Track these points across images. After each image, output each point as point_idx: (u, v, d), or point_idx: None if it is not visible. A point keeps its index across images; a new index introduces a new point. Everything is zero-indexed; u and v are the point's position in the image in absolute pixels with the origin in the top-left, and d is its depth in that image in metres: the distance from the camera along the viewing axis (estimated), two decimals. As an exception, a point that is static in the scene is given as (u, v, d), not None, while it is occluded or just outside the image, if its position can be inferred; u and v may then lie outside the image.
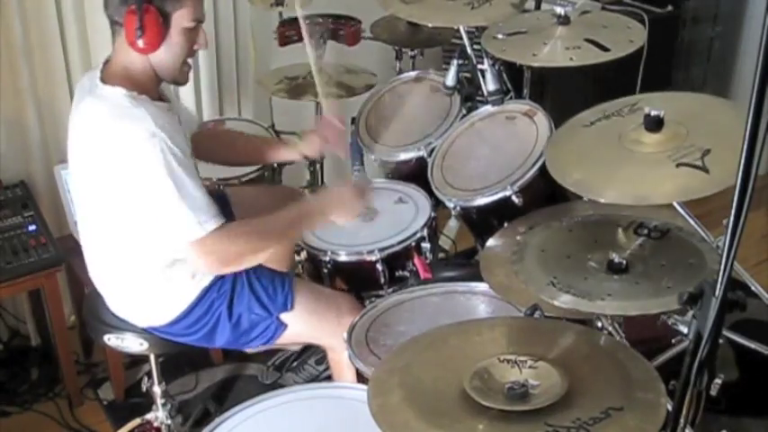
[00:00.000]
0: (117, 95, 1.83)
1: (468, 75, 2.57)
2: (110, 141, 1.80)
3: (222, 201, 2.29)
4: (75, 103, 1.93)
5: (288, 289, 2.07)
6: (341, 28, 2.92)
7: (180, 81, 1.98)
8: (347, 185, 2.08)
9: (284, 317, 2.05)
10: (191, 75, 2.00)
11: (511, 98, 2.61)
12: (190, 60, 1.95)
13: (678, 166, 1.70)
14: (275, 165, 2.74)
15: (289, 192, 2.66)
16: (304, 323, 2.07)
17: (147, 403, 2.34)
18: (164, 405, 2.28)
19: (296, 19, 2.89)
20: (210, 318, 2.03)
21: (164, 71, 1.91)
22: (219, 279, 2.03)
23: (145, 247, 1.93)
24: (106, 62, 1.93)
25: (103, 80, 1.87)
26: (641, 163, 1.76)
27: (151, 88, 1.91)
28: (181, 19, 1.85)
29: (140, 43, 1.82)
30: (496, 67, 2.47)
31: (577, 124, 1.96)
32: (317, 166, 3.07)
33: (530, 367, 1.39)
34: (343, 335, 1.98)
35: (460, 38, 2.56)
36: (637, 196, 1.71)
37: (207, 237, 1.83)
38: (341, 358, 2.07)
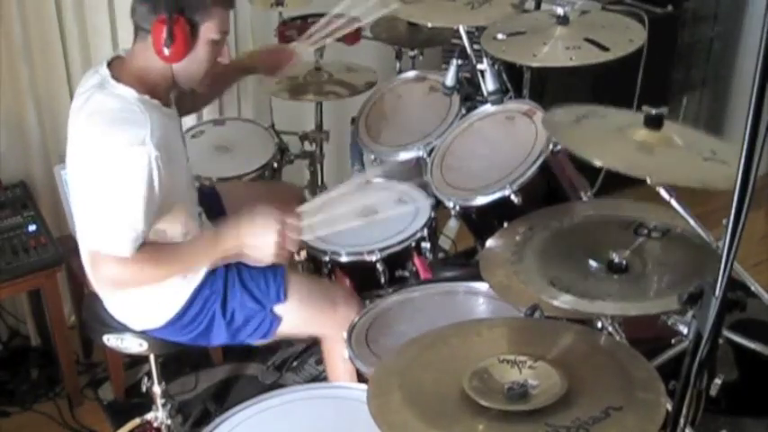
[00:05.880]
0: (129, 96, 1.83)
1: (467, 75, 2.57)
2: (102, 141, 1.80)
3: (214, 198, 2.29)
4: (80, 99, 1.91)
5: (280, 280, 2.07)
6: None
7: (198, 91, 2.01)
8: (268, 222, 1.87)
9: (278, 309, 2.06)
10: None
11: (510, 98, 2.61)
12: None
13: (705, 160, 1.70)
14: (275, 165, 2.74)
15: (285, 188, 2.66)
16: (298, 314, 2.08)
17: (147, 403, 2.34)
18: (164, 405, 2.28)
19: (296, 19, 2.91)
20: (205, 316, 2.03)
21: (184, 80, 1.92)
22: (211, 276, 2.03)
23: None
24: (115, 60, 1.93)
25: (116, 78, 1.86)
26: (673, 153, 1.74)
27: (164, 94, 1.92)
28: (208, 31, 1.86)
29: (167, 53, 1.82)
30: (496, 67, 2.47)
31: (566, 120, 1.91)
32: (318, 165, 3.08)
33: (529, 367, 1.39)
34: (339, 325, 1.99)
35: (460, 38, 2.56)
36: (698, 179, 1.65)
37: (121, 258, 1.80)
38: (334, 348, 2.08)
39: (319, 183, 3.10)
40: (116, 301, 2.04)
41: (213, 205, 2.25)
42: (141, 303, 2.01)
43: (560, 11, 2.33)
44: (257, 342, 2.17)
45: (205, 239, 1.97)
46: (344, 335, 1.95)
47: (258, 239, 1.87)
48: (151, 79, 1.88)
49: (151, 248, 1.85)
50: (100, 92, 1.86)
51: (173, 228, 1.92)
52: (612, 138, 1.80)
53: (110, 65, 1.91)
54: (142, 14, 1.85)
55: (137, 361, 2.74)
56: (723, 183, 1.53)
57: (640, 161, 1.72)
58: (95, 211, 1.83)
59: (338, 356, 2.06)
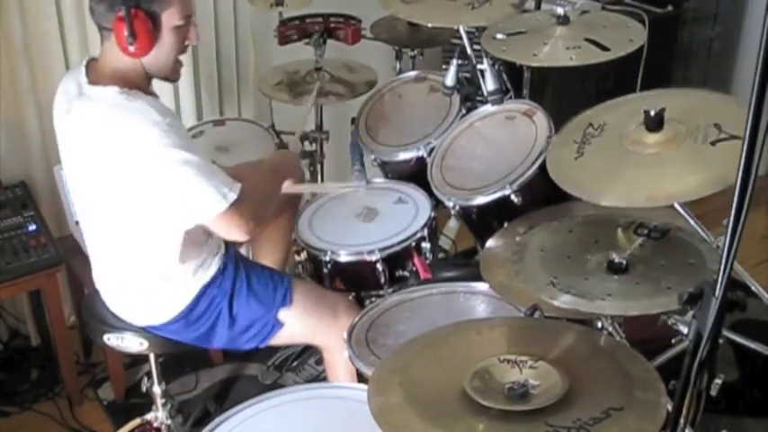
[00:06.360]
0: (110, 94, 1.82)
1: (467, 75, 2.57)
2: (116, 139, 1.80)
3: None
4: (62, 105, 1.91)
5: (286, 286, 2.08)
6: (341, 27, 2.92)
7: (171, 78, 1.98)
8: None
9: (282, 314, 2.06)
10: (187, 72, 2.01)
11: (510, 98, 2.61)
12: (181, 57, 1.95)
13: (713, 144, 1.70)
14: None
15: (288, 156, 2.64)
16: (300, 321, 2.08)
17: (147, 403, 2.34)
18: (164, 405, 2.28)
19: (295, 19, 2.91)
20: (211, 315, 2.03)
21: (155, 70, 1.91)
22: (220, 275, 2.03)
23: (150, 245, 1.94)
24: (89, 63, 1.92)
25: (92, 82, 1.86)
26: (682, 157, 1.73)
27: (142, 85, 1.91)
28: (170, 18, 1.85)
29: (132, 49, 1.81)
30: (496, 67, 2.47)
31: (567, 159, 1.89)
32: (318, 165, 3.08)
33: (530, 367, 1.39)
34: (339, 335, 1.98)
35: (460, 38, 2.56)
36: (719, 181, 1.63)
37: (230, 208, 1.85)
38: (336, 359, 2.08)
39: (319, 183, 3.09)
40: (122, 297, 2.05)
41: None
42: (149, 299, 2.01)
43: (560, 11, 2.33)
44: (255, 347, 2.17)
45: (267, 167, 2.20)
46: (344, 335, 1.96)
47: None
48: (127, 77, 1.87)
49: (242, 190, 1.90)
50: (81, 100, 1.86)
51: None
52: (619, 163, 1.78)
53: (87, 67, 1.90)
54: (101, 14, 1.83)
55: (137, 361, 2.74)
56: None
57: (657, 188, 1.71)
58: (179, 193, 1.83)
59: (340, 367, 2.06)
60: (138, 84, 1.89)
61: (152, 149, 1.78)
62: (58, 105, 1.94)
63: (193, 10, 1.92)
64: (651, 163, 1.75)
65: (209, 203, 1.84)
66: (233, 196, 1.85)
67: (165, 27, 1.85)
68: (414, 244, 2.23)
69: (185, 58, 2.00)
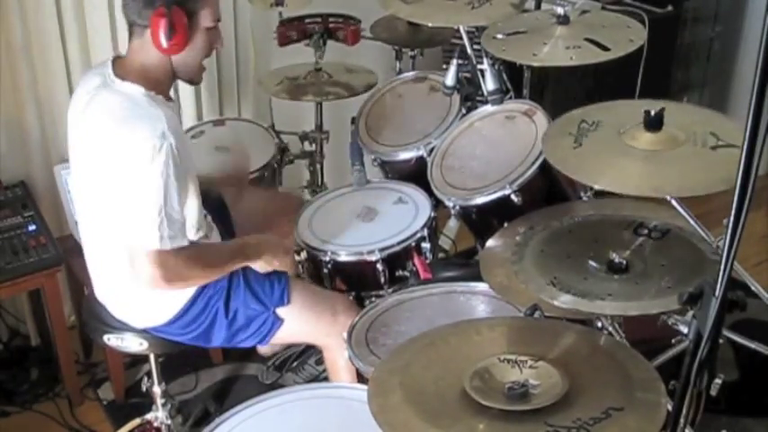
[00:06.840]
0: (136, 93, 1.85)
1: (467, 74, 2.57)
2: (120, 137, 1.81)
3: (220, 204, 2.29)
4: (82, 100, 1.92)
5: (284, 284, 2.08)
6: (340, 27, 2.93)
7: (195, 81, 2.03)
8: (280, 240, 2.11)
9: (281, 312, 2.06)
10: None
11: (510, 98, 2.61)
12: (205, 61, 1.98)
13: (713, 149, 1.70)
14: (275, 165, 2.74)
15: (285, 197, 2.67)
16: (300, 319, 2.08)
17: (147, 403, 2.34)
18: (164, 405, 2.28)
19: (294, 19, 2.91)
20: (207, 315, 2.03)
21: (183, 71, 1.94)
22: None
23: None
24: (116, 59, 1.94)
25: (120, 77, 1.87)
26: (684, 156, 1.73)
27: (166, 88, 1.94)
28: (204, 19, 1.89)
29: (168, 45, 1.84)
30: (496, 67, 2.47)
31: (565, 147, 1.87)
32: (318, 165, 3.08)
33: (530, 367, 1.39)
34: (339, 334, 1.98)
35: (460, 38, 2.56)
36: (724, 180, 1.62)
37: (164, 252, 1.82)
38: (336, 358, 2.08)
39: (319, 183, 3.10)
40: (118, 300, 2.04)
41: (219, 210, 2.25)
42: (144, 301, 2.01)
43: (560, 10, 2.33)
44: (255, 345, 2.17)
45: (235, 243, 2.08)
46: (344, 335, 1.95)
47: (272, 247, 2.05)
48: (153, 75, 1.89)
49: (191, 247, 1.87)
50: (104, 90, 1.87)
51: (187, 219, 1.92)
52: (621, 155, 1.78)
53: (113, 64, 1.91)
54: (136, 10, 1.85)
55: (137, 361, 2.74)
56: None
57: (657, 179, 1.71)
58: (129, 208, 1.82)
59: (340, 366, 2.06)
60: (162, 83, 1.91)
61: (142, 157, 1.77)
62: (77, 101, 1.94)
63: (221, 15, 1.96)
64: (654, 158, 1.75)
65: (146, 234, 1.81)
66: (167, 245, 1.82)
67: (199, 27, 1.89)
68: (414, 244, 2.23)
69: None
